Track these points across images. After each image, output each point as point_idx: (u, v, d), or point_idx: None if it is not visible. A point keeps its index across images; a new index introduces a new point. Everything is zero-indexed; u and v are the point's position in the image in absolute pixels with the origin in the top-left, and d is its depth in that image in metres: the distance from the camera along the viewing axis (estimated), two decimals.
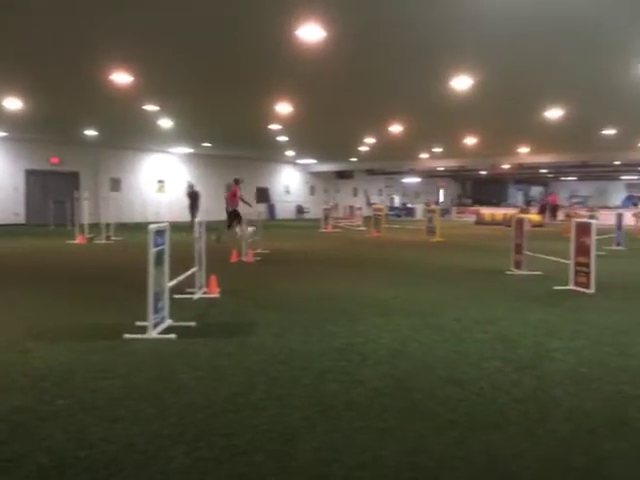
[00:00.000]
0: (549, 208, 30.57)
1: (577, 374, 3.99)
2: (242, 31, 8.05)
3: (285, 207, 34.88)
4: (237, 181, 16.57)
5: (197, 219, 17.94)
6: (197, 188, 20.60)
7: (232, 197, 15.99)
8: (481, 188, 49.52)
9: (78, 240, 14.90)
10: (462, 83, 11.12)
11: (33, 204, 23.02)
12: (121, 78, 10.91)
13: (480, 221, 29.18)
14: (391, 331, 5.20)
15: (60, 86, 12.27)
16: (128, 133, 20.95)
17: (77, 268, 10.00)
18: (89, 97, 13.35)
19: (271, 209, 33.84)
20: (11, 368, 4.01)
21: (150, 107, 14.57)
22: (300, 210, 35.86)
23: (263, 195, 33.67)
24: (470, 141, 21.87)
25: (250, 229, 11.91)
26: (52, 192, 22.60)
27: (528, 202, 42.96)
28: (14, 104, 13.96)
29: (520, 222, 9.92)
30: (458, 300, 6.94)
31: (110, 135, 21.45)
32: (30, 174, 23.17)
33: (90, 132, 20.23)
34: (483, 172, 37.53)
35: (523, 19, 7.17)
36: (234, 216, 15.51)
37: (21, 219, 22.74)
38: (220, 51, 9.16)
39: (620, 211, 17.21)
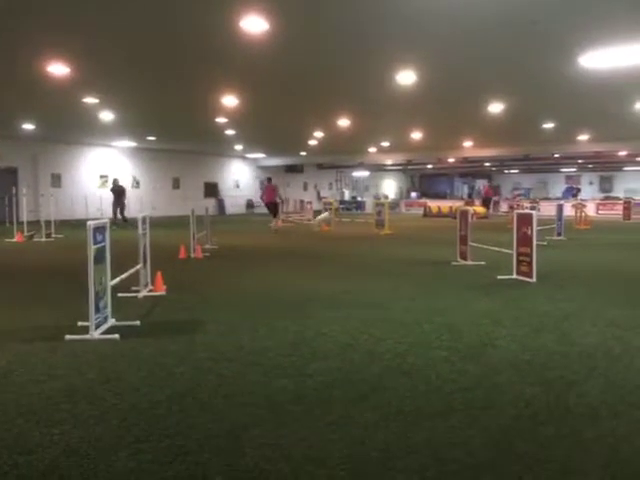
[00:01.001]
0: (482, 200, 31.19)
1: (520, 361, 4.11)
2: (184, 21, 7.87)
3: (235, 202, 34.52)
4: (269, 180, 19.56)
5: (120, 216, 18.59)
6: (121, 183, 21.31)
7: (271, 192, 18.34)
8: (429, 182, 50.59)
9: (17, 238, 14.26)
10: (406, 78, 11.27)
11: None
12: (58, 69, 10.48)
13: (428, 214, 29.76)
14: (341, 324, 5.22)
15: None
16: (68, 127, 20.19)
17: (15, 267, 9.56)
18: (25, 89, 12.77)
19: (220, 204, 33.42)
20: None
21: (90, 100, 14.08)
22: (250, 205, 35.57)
23: (212, 190, 33.21)
24: (416, 135, 22.25)
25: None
26: None
27: (470, 195, 44.15)
28: None
29: (465, 214, 10.15)
30: (407, 292, 7.04)
31: (49, 129, 20.62)
32: None
33: (28, 126, 19.36)
34: (430, 166, 38.28)
35: (464, 14, 7.31)
36: (276, 208, 18.42)
37: None
38: (162, 41, 8.92)
39: (560, 202, 17.91)
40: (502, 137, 23.38)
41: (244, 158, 34.90)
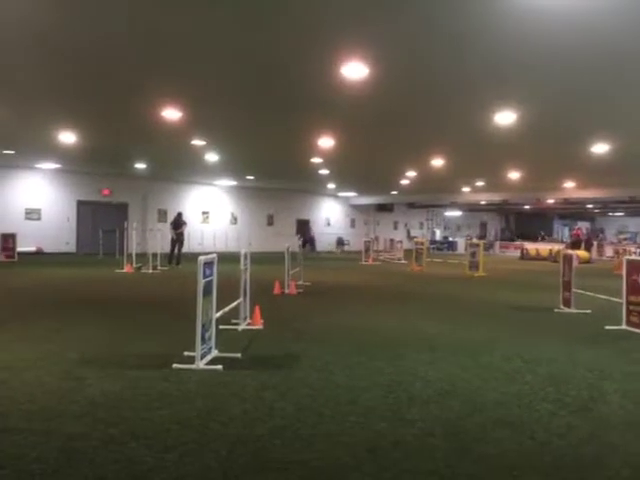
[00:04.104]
0: (571, 243, 29.34)
1: (635, 419, 3.83)
2: (287, 69, 8.31)
3: (326, 239, 35.06)
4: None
5: (177, 256, 17.17)
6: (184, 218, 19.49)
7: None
8: (525, 222, 48.64)
9: (126, 269, 15.33)
10: (506, 118, 11.08)
11: (84, 234, 23.88)
12: (171, 114, 11.35)
13: (525, 256, 28.56)
14: (438, 369, 5.12)
15: (113, 122, 12.85)
16: (176, 166, 21.64)
17: (126, 297, 10.27)
18: (140, 132, 13.92)
19: (312, 241, 34.06)
20: (66, 395, 4.13)
21: (197, 142, 15.06)
22: (340, 242, 35.94)
23: (304, 227, 33.97)
24: (514, 175, 21.63)
25: None
26: (102, 222, 23.40)
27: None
28: (69, 138, 14.65)
29: (569, 258, 9.68)
30: (505, 338, 6.78)
31: (158, 168, 22.21)
32: (81, 205, 24.11)
33: (140, 165, 20.99)
34: (527, 206, 36.91)
35: (568, 53, 7.15)
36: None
37: (72, 248, 23.58)
38: (266, 88, 9.44)
39: None
40: (606, 178, 22.16)
41: (336, 196, 35.52)
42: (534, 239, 38.26)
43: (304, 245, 23.36)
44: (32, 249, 21.62)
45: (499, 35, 6.52)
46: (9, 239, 19.04)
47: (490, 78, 8.51)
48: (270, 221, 32.13)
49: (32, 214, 22.85)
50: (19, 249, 19.33)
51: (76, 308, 8.63)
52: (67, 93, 10.03)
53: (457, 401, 4.19)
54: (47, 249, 22.41)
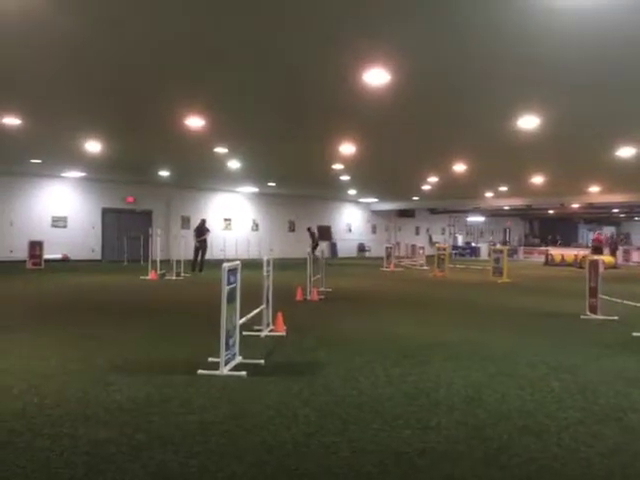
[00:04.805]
0: (592, 248, 28.80)
1: None
2: (309, 76, 8.36)
3: (347, 245, 35.03)
4: None
5: (200, 263, 17.23)
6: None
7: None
8: (549, 227, 47.96)
9: (151, 276, 15.53)
10: (529, 122, 10.98)
11: (109, 241, 24.27)
12: (194, 122, 11.50)
13: (549, 262, 28.16)
14: (462, 376, 5.08)
15: (137, 131, 13.07)
16: (198, 174, 21.88)
17: (150, 304, 10.40)
18: (164, 140, 14.11)
19: (333, 247, 34.07)
20: (94, 401, 4.20)
21: (220, 149, 15.21)
22: (362, 248, 35.89)
23: (325, 233, 34.01)
24: (537, 180, 21.39)
25: None
26: (127, 230, 23.78)
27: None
28: (94, 147, 14.92)
29: (595, 264, 9.53)
30: (531, 345, 6.70)
31: (181, 175, 22.47)
32: (107, 212, 24.52)
33: (163, 173, 21.27)
34: (551, 211, 36.43)
35: (595, 55, 7.07)
36: None
37: (97, 255, 23.97)
38: (288, 96, 9.51)
39: None
40: (633, 182, 21.77)
41: (357, 202, 35.51)
42: (553, 244, 37.72)
43: (314, 249, 23.69)
44: (58, 256, 22.02)
45: (523, 38, 6.47)
46: (36, 247, 19.43)
47: (513, 82, 8.44)
48: (291, 227, 32.23)
49: (58, 222, 23.29)
50: (46, 256, 19.71)
51: (102, 314, 8.77)
52: (93, 103, 10.23)
53: (482, 408, 4.15)
54: (73, 256, 22.81)
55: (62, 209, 23.41)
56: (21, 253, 19.85)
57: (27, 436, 3.45)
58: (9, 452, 3.22)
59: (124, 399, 4.25)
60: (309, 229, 27.66)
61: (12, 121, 11.48)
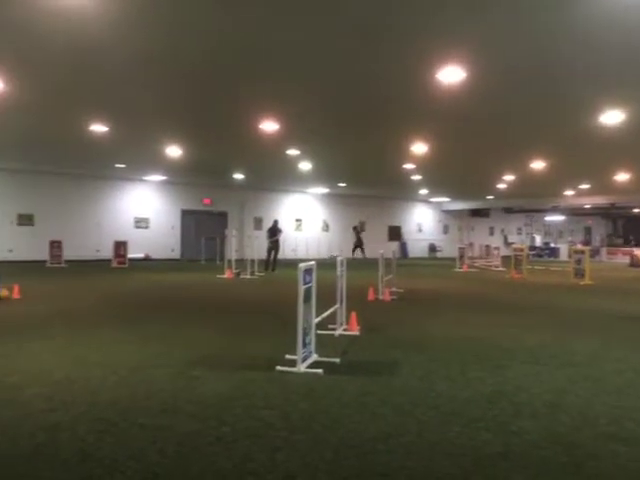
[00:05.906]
0: None
1: None
2: (382, 77, 8.37)
3: (417, 245, 34.62)
4: None
5: (273, 262, 17.43)
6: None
7: None
8: (634, 227, 45.18)
9: (227, 275, 16.05)
10: (612, 117, 10.46)
11: (187, 241, 25.34)
12: (269, 126, 11.78)
13: (635, 263, 26.58)
14: (543, 381, 4.93)
15: (214, 136, 13.56)
16: (271, 176, 22.38)
17: (227, 301, 10.76)
18: (239, 144, 14.56)
19: (403, 247, 33.77)
20: (180, 394, 4.42)
21: (292, 152, 15.49)
22: (433, 248, 35.35)
23: (395, 233, 33.76)
24: (622, 177, 20.28)
25: None
26: (204, 230, 24.74)
27: None
28: (174, 152, 15.62)
29: None
30: (615, 350, 6.39)
31: (255, 178, 23.07)
32: (185, 214, 25.59)
33: (238, 175, 21.93)
34: (637, 210, 34.37)
35: None
36: None
37: (176, 254, 25.07)
38: (360, 96, 9.55)
39: None
40: None
41: (428, 202, 35.02)
42: (638, 244, 35.48)
43: (355, 249, 24.16)
44: (141, 255, 23.23)
45: (605, 30, 6.21)
46: (121, 246, 20.56)
47: (595, 75, 8.09)
48: (362, 228, 32.25)
49: (141, 223, 24.54)
50: (129, 255, 20.82)
51: (182, 311, 9.18)
52: (173, 110, 10.74)
53: (565, 414, 4.02)
54: (154, 255, 23.99)
55: (144, 211, 24.64)
56: (107, 252, 21.08)
57: (123, 425, 3.69)
58: (106, 442, 3.44)
59: (208, 393, 4.44)
60: (355, 228, 27.67)
61: (100, 128, 12.23)
